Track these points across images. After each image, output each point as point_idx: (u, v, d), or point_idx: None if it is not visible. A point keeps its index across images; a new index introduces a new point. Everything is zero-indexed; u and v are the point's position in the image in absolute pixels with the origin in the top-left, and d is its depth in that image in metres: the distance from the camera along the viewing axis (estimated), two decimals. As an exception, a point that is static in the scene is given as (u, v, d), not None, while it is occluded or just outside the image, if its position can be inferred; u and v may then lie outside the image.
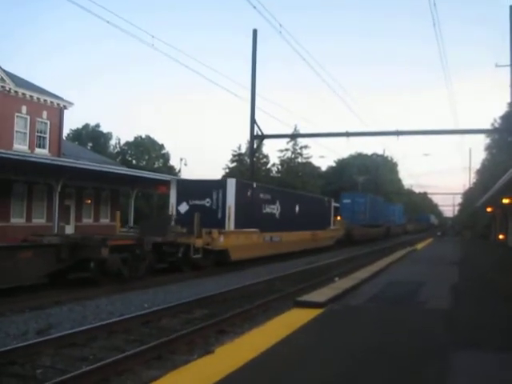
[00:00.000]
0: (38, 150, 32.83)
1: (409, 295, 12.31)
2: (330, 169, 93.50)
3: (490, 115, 59.24)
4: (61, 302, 13.36)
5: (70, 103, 37.10)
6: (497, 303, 11.54)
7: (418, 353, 6.80)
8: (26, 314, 11.84)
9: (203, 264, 20.97)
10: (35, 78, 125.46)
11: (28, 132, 32.91)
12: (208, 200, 22.98)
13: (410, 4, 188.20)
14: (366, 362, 6.34)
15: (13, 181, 29.24)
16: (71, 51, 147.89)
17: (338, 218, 44.99)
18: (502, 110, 48.64)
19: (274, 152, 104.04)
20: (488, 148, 61.53)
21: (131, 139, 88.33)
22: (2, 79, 30.62)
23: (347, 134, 35.14)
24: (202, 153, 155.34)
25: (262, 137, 37.25)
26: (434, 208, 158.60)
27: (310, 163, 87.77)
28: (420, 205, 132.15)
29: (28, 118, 32.95)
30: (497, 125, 49.28)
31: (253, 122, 35.39)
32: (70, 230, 32.72)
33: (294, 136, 67.20)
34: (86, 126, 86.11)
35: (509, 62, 32.64)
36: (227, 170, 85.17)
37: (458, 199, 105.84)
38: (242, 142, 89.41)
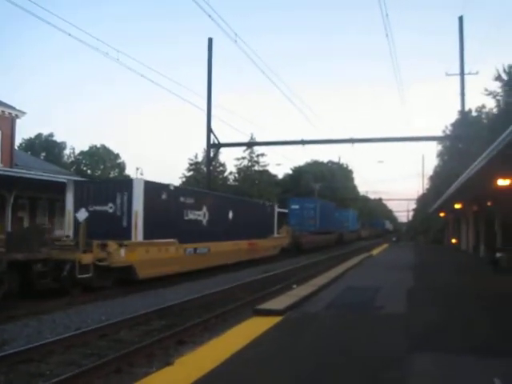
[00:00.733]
0: (-12, 161, 31.98)
1: (366, 301, 12.48)
2: (287, 176, 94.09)
3: (441, 123, 60.80)
4: (16, 316, 13.03)
5: (23, 112, 36.34)
6: (451, 306, 11.82)
7: (376, 358, 6.93)
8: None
9: (97, 284, 16.84)
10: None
11: (-22, 142, 32.02)
12: (111, 205, 19.31)
13: (363, 15, 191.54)
14: (325, 368, 6.42)
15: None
16: (31, 64, 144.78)
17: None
18: (453, 117, 50.03)
19: (230, 160, 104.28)
20: (440, 155, 63.25)
21: (86, 149, 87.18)
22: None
23: (303, 142, 35.57)
24: (158, 162, 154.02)
25: (219, 145, 37.31)
26: (389, 214, 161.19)
27: (266, 171, 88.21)
28: (375, 211, 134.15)
29: (-22, 127, 32.07)
30: (448, 132, 50.63)
31: (209, 130, 35.44)
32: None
33: (250, 144, 67.37)
34: (39, 135, 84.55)
35: (458, 71, 33.58)
36: (184, 179, 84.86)
37: (413, 205, 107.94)
38: (198, 150, 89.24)
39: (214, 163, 64.01)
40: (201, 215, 23.77)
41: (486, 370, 6.32)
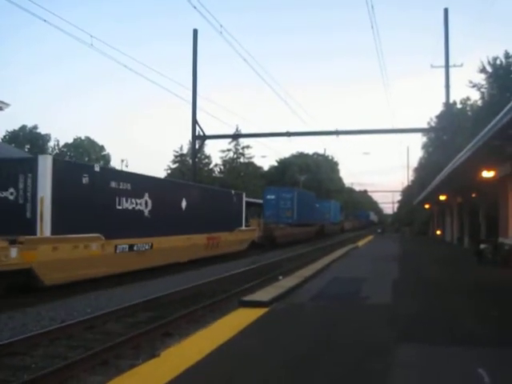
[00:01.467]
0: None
1: (352, 291, 12.53)
2: (272, 168, 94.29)
3: (426, 115, 61.23)
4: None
5: (6, 104, 35.85)
6: (435, 297, 11.91)
7: (362, 348, 6.95)
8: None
9: None
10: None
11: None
12: (12, 190, 15.39)
13: (349, 9, 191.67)
14: (311, 359, 6.43)
15: None
16: (5, 49, 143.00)
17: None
18: (438, 109, 50.29)
19: (216, 152, 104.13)
20: (425, 146, 63.70)
21: (70, 141, 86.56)
22: None
23: (288, 134, 35.62)
24: (144, 154, 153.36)
25: (204, 137, 37.26)
26: (374, 205, 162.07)
27: (252, 163, 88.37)
28: (360, 202, 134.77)
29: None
30: (433, 124, 50.94)
31: (194, 122, 35.35)
32: None
33: (235, 136, 67.27)
34: (23, 127, 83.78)
35: (443, 64, 33.75)
36: (169, 171, 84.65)
37: (398, 196, 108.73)
38: (184, 142, 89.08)
39: (199, 155, 63.92)
40: (141, 204, 19.66)
41: (471, 360, 6.37)
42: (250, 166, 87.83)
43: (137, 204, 19.42)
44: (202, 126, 35.72)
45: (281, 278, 16.56)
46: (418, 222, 69.68)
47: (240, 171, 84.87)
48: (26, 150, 72.71)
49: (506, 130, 11.94)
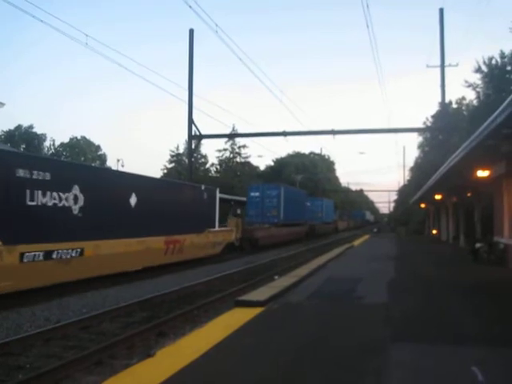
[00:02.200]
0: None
1: (347, 291, 12.54)
2: (269, 168, 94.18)
3: (422, 114, 61.39)
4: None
5: (1, 104, 35.85)
6: (431, 296, 11.93)
7: (357, 347, 6.96)
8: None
9: None
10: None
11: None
12: None
13: (345, 9, 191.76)
14: (306, 358, 6.45)
15: None
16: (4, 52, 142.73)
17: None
18: (434, 109, 50.36)
19: (212, 152, 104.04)
20: (421, 146, 63.67)
21: (66, 140, 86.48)
22: None
23: (284, 134, 35.62)
24: (140, 154, 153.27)
25: (200, 137, 37.23)
26: (370, 205, 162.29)
27: (248, 163, 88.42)
28: (356, 202, 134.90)
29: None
30: (429, 123, 50.97)
31: (190, 121, 35.32)
32: None
33: (231, 136, 67.26)
34: (19, 127, 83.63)
35: (439, 63, 33.83)
36: (165, 171, 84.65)
37: (394, 196, 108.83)
38: (180, 142, 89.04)
39: (195, 155, 63.91)
40: (68, 199, 15.72)
41: (465, 358, 6.39)
42: (247, 166, 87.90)
43: (60, 199, 15.42)
44: (198, 125, 35.70)
45: (276, 277, 16.56)
46: (413, 221, 69.72)
47: (236, 171, 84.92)
48: (22, 149, 72.54)
49: (500, 130, 11.95)
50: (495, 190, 20.46)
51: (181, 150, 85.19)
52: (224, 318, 9.17)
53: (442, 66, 33.32)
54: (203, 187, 27.55)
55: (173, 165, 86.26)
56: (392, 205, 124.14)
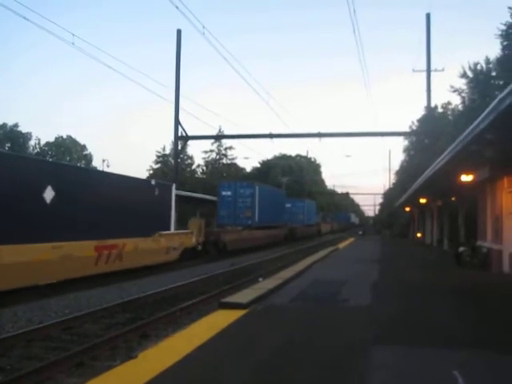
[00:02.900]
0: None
1: (331, 294, 12.56)
2: (255, 170, 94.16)
3: (408, 118, 61.83)
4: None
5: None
6: (414, 299, 11.99)
7: (340, 350, 6.99)
8: None
9: None
10: None
11: None
12: None
13: (332, 12, 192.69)
14: (287, 360, 6.45)
15: None
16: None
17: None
18: (420, 113, 50.75)
19: (198, 153, 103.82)
20: (406, 150, 64.19)
21: (52, 139, 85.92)
22: None
23: (271, 136, 35.60)
24: (127, 155, 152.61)
25: (186, 138, 37.09)
26: (356, 207, 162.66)
27: (234, 164, 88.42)
28: (342, 205, 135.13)
29: None
30: (414, 127, 51.37)
31: (177, 122, 35.19)
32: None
33: (218, 137, 67.25)
34: (4, 125, 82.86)
35: (425, 68, 34.04)
36: (151, 172, 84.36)
37: (379, 199, 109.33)
38: (166, 143, 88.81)
39: (181, 156, 63.72)
40: None
41: (447, 361, 6.42)
42: (233, 167, 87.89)
43: None
44: (184, 126, 35.59)
45: (261, 279, 16.56)
46: (398, 224, 70.08)
47: (222, 172, 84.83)
48: (7, 148, 71.95)
49: (483, 135, 12.07)
50: (479, 194, 20.65)
51: (167, 151, 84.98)
52: (208, 320, 9.15)
53: (428, 71, 33.50)
54: (154, 182, 24.22)
55: (159, 165, 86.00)
56: (378, 208, 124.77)
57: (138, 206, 20.82)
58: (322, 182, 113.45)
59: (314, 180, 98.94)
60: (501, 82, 31.25)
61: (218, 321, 8.84)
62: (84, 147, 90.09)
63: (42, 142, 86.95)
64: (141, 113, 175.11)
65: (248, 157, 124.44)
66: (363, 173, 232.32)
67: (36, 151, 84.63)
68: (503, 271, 17.34)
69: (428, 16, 34.42)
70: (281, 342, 7.43)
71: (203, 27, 24.97)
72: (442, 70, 35.48)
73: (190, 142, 47.08)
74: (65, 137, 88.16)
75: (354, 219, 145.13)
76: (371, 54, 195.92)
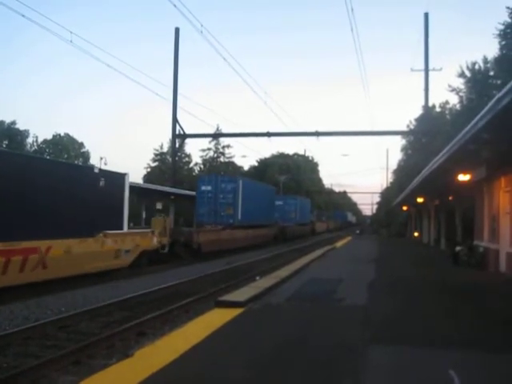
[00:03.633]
0: None
1: (328, 293, 12.54)
2: (252, 168, 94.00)
3: (406, 117, 61.79)
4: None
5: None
6: (411, 298, 11.99)
7: (335, 349, 6.98)
8: None
9: None
10: None
11: None
12: None
13: (330, 10, 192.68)
14: (282, 359, 6.45)
15: None
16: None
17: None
18: (418, 112, 50.76)
19: (196, 151, 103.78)
20: (404, 149, 64.14)
21: (50, 137, 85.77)
22: None
23: (268, 134, 35.67)
24: (126, 153, 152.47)
25: (184, 136, 37.19)
26: (353, 206, 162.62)
27: (232, 162, 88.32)
28: (340, 203, 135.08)
29: None
30: (412, 127, 51.39)
31: (175, 121, 35.24)
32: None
33: (216, 135, 67.25)
34: (1, 123, 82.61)
35: (423, 67, 34.12)
36: (149, 170, 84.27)
37: (377, 198, 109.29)
38: (164, 141, 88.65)
39: (179, 154, 63.68)
40: None
41: (443, 361, 6.42)
42: (230, 166, 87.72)
43: None
44: (182, 124, 35.62)
45: (258, 278, 16.56)
46: (395, 223, 70.08)
47: (220, 171, 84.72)
48: (4, 145, 71.77)
49: (480, 135, 12.09)
50: (476, 194, 20.67)
51: (165, 149, 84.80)
52: (204, 319, 9.13)
53: (426, 70, 33.67)
54: (97, 170, 19.89)
55: (156, 164, 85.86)
56: (375, 207, 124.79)
57: (72, 199, 16.80)
58: (320, 180, 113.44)
59: (311, 179, 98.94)
60: (499, 82, 31.29)
61: (214, 319, 8.82)
62: (82, 145, 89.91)
63: (40, 140, 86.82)
64: (139, 111, 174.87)
65: (246, 155, 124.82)
66: (361, 172, 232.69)
67: (34, 149, 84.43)
68: (500, 270, 17.38)
69: (426, 15, 34.60)
70: (277, 341, 7.43)
71: (201, 26, 25.02)
72: (440, 69, 35.64)
73: (187, 141, 47.31)
74: (62, 135, 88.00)
75: (351, 218, 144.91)
76: (369, 53, 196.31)
